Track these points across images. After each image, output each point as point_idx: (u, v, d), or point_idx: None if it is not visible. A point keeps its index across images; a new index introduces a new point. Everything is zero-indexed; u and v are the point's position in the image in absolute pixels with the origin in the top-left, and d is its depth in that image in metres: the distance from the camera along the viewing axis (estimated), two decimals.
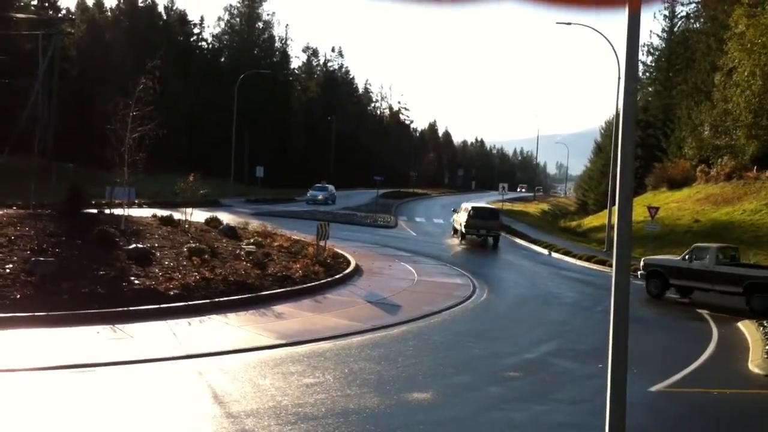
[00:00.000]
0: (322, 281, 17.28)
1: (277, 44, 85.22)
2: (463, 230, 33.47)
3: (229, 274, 15.52)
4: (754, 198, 35.65)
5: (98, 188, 25.91)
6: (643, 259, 21.70)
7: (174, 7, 78.81)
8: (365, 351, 11.40)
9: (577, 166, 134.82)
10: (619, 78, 29.17)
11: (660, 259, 21.52)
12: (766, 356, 12.49)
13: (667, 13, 60.30)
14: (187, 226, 22.49)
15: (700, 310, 18.21)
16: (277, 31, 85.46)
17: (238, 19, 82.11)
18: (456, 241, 34.06)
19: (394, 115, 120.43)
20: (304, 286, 16.39)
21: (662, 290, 20.42)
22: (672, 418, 9.46)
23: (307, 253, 20.23)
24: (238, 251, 19.06)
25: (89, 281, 13.23)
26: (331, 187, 55.35)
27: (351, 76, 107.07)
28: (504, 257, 29.15)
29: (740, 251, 21.54)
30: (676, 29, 62.22)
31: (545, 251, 32.51)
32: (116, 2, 73.02)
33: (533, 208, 77.79)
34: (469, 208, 33.94)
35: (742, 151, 39.08)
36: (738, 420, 9.64)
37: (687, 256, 19.84)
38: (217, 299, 13.78)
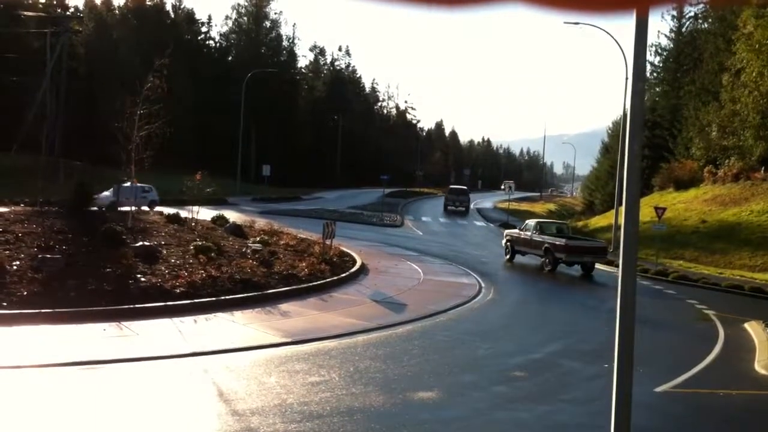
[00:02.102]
0: (328, 280, 17.29)
1: (285, 43, 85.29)
2: (444, 202, 53.93)
3: (235, 272, 15.54)
4: (761, 199, 35.42)
5: (105, 186, 26.04)
6: (504, 232, 28.87)
7: (182, 6, 79.05)
8: (371, 350, 11.41)
9: (584, 166, 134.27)
10: (626, 78, 29.06)
11: (510, 231, 27.67)
12: None
13: (675, 13, 60.03)
14: (193, 224, 22.58)
15: (706, 311, 18.14)
16: (285, 30, 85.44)
17: (245, 18, 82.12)
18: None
19: (401, 114, 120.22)
20: (310, 284, 16.39)
21: (512, 254, 26.16)
22: (677, 418, 9.43)
23: (313, 251, 20.26)
24: (244, 249, 19.11)
25: (96, 278, 13.29)
26: (140, 188, 31.59)
27: (358, 75, 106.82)
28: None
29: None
30: (684, 29, 61.92)
31: None
32: (124, 1, 73.27)
33: (540, 208, 77.67)
34: (449, 188, 57.62)
35: (750, 152, 38.87)
36: (744, 421, 9.61)
37: (521, 229, 26.11)
38: (223, 297, 13.81)
